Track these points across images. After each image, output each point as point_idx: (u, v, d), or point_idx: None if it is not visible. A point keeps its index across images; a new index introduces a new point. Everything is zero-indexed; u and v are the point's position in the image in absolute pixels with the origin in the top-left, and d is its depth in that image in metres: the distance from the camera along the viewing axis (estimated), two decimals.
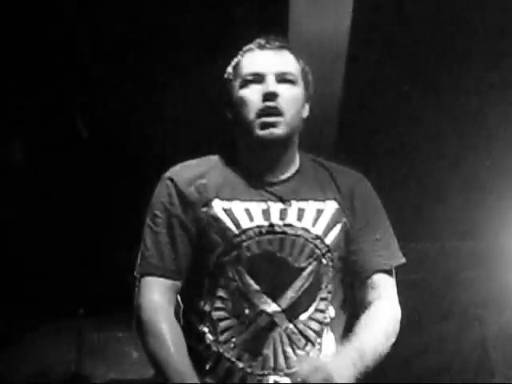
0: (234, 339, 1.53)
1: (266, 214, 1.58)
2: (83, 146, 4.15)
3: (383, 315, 1.61)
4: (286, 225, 1.58)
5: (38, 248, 4.30)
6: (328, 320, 1.61)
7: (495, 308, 4.41)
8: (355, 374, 1.46)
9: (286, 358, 1.52)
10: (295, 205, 1.63)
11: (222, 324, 1.54)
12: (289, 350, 1.53)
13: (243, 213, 1.57)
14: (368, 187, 1.78)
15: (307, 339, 1.56)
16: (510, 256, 4.23)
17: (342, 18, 3.15)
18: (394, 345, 1.62)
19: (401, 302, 1.68)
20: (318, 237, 1.58)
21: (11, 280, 4.57)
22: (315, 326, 1.58)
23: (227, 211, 1.59)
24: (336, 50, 3.31)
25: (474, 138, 3.75)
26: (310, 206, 1.62)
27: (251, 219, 1.57)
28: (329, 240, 1.59)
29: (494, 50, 3.42)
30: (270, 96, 1.56)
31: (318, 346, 1.58)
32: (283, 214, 1.59)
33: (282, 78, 1.62)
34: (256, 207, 1.60)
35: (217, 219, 1.56)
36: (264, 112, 1.57)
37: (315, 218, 1.60)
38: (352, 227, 1.64)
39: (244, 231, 1.55)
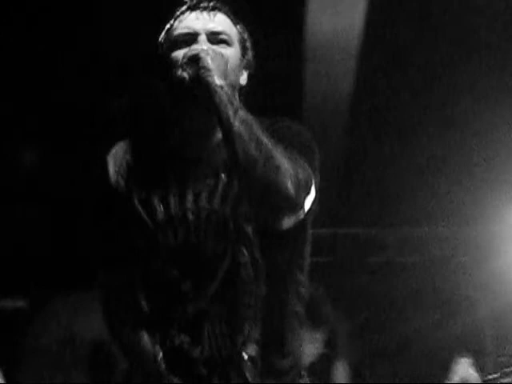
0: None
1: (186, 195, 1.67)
2: None
3: None
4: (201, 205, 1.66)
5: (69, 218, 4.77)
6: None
7: (487, 291, 4.77)
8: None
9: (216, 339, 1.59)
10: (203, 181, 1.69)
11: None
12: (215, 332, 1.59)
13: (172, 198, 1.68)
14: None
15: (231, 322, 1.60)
16: (500, 242, 4.57)
17: (354, 18, 3.43)
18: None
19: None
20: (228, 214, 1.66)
21: (49, 248, 5.10)
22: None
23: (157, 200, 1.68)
24: (348, 47, 3.59)
25: (466, 131, 4.10)
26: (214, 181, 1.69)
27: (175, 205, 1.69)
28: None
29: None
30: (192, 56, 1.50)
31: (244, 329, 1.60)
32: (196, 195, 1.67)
33: (215, 38, 1.57)
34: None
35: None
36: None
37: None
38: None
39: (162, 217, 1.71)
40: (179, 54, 1.51)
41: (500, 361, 4.26)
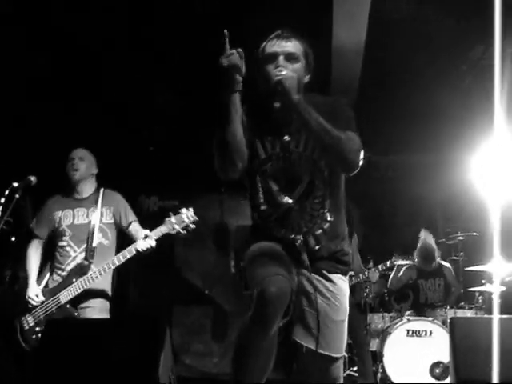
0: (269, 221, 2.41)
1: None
2: None
3: None
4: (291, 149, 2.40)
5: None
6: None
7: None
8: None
9: (299, 226, 2.39)
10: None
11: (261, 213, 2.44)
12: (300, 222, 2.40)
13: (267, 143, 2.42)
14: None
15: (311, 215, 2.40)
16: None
17: (360, 31, 4.89)
18: None
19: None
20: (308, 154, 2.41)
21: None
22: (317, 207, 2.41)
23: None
24: (356, 51, 5.13)
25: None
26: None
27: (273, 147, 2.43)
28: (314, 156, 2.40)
29: None
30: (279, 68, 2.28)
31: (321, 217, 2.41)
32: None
33: (289, 57, 2.35)
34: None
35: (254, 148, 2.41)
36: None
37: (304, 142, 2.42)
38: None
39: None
40: (269, 67, 2.33)
41: (447, 231, 6.63)
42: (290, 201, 2.37)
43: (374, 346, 6.06)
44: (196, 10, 4.80)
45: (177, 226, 3.59)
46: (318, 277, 2.38)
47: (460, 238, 6.33)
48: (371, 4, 4.59)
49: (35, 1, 4.45)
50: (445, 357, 5.01)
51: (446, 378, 5.15)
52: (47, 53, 5.01)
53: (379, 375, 5.53)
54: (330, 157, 2.34)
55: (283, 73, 2.26)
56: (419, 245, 6.10)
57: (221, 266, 6.97)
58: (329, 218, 2.41)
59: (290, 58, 2.36)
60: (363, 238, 6.29)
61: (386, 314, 6.19)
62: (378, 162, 7.16)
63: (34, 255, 3.90)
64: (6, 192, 3.40)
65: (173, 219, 3.60)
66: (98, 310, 3.73)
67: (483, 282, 5.68)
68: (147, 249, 3.61)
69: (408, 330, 5.53)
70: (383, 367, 5.47)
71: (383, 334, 5.76)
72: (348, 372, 5.89)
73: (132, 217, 3.96)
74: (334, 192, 2.44)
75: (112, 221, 3.89)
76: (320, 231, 2.39)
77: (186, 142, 6.45)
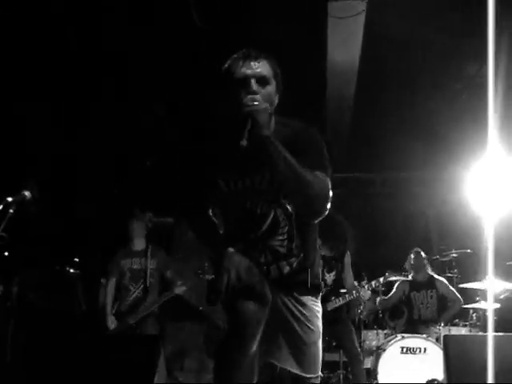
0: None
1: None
2: None
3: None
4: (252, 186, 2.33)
5: None
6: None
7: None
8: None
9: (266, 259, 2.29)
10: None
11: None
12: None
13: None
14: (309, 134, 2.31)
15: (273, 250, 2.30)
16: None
17: (354, 51, 5.02)
18: None
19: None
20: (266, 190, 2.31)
21: None
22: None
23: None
24: (351, 71, 5.27)
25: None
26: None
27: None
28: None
29: None
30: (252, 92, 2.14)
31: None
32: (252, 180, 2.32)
33: (260, 80, 2.19)
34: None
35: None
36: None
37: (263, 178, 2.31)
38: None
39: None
40: (240, 92, 2.15)
41: (441, 248, 6.66)
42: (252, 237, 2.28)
43: (368, 363, 6.04)
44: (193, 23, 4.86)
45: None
46: (290, 299, 2.32)
47: (454, 254, 6.36)
48: (366, 22, 4.64)
49: None
50: (439, 374, 4.98)
51: None
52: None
53: None
54: (294, 201, 2.23)
55: (256, 103, 2.10)
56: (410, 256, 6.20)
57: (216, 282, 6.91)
58: (296, 253, 2.32)
59: (262, 81, 2.20)
60: (356, 253, 6.29)
61: (380, 331, 6.17)
62: (373, 178, 7.21)
63: (109, 292, 5.40)
64: (0, 207, 3.38)
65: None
66: (153, 327, 5.23)
67: (478, 299, 5.69)
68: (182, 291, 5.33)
69: (402, 347, 5.52)
70: None
71: (377, 351, 5.74)
72: None
73: (169, 264, 5.51)
74: (303, 226, 2.33)
75: (156, 267, 5.37)
76: (287, 268, 2.31)
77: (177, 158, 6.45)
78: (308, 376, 2.31)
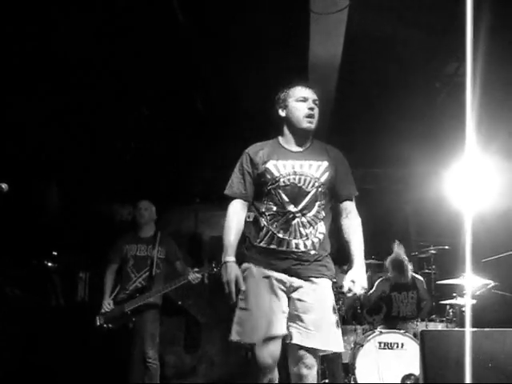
0: (275, 223, 2.98)
1: (293, 166, 3.02)
2: None
3: (358, 227, 3.05)
4: (302, 170, 3.01)
5: None
6: (321, 216, 3.02)
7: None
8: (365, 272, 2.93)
9: (300, 232, 2.96)
10: (307, 162, 3.04)
11: (269, 216, 3.00)
12: (301, 228, 2.96)
13: (282, 166, 3.03)
14: (341, 156, 3.17)
15: (310, 224, 2.97)
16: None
17: (335, 48, 5.07)
18: None
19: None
20: (317, 177, 3.02)
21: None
22: (315, 218, 3.00)
23: (274, 165, 3.04)
24: (332, 67, 5.34)
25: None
26: (315, 163, 3.05)
27: (285, 168, 3.02)
28: (322, 179, 3.01)
29: None
30: (311, 108, 3.06)
31: (315, 228, 2.99)
32: (301, 166, 3.03)
33: (314, 102, 3.08)
34: (288, 163, 3.04)
35: (269, 169, 3.03)
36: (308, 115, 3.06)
37: (317, 168, 3.03)
38: (335, 174, 3.05)
39: (281, 174, 3.01)
40: (302, 105, 3.07)
41: (419, 244, 6.70)
42: (296, 209, 2.96)
43: (346, 358, 6.08)
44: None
45: (212, 270, 4.87)
46: (306, 282, 2.93)
47: (432, 251, 6.39)
48: (347, 20, 4.65)
49: None
50: (416, 369, 5.01)
51: None
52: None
53: None
54: None
55: (313, 112, 3.10)
56: (391, 256, 6.19)
57: None
58: (323, 231, 3.02)
59: (315, 102, 3.12)
60: (336, 250, 6.31)
61: (358, 327, 6.21)
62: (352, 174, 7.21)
63: (109, 276, 5.16)
64: None
65: (213, 264, 4.84)
66: (151, 320, 4.96)
67: (454, 295, 5.75)
68: (196, 280, 4.91)
69: (380, 343, 5.56)
70: (355, 379, 5.49)
71: (355, 347, 5.77)
72: None
73: (179, 256, 5.28)
74: (328, 211, 3.05)
75: (164, 257, 5.18)
76: (316, 239, 2.99)
77: (161, 152, 6.43)
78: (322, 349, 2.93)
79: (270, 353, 2.83)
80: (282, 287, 2.92)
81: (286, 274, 2.92)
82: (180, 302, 6.91)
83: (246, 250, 3.03)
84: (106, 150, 6.30)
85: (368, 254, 6.00)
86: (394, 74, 5.56)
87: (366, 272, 5.78)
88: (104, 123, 6.01)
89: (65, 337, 5.10)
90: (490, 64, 4.25)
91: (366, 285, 2.92)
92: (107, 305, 5.03)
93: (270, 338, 2.83)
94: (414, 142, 6.19)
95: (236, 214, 3.02)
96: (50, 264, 5.98)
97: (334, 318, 2.92)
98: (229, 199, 3.09)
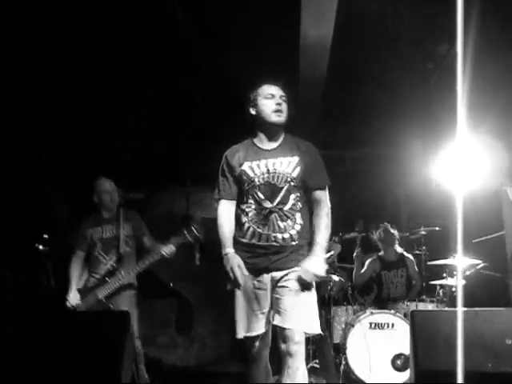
0: (255, 219, 3.22)
1: (266, 165, 3.26)
2: None
3: (323, 217, 3.23)
4: (274, 168, 3.25)
5: None
6: (298, 208, 3.25)
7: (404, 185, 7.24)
8: (323, 261, 3.12)
9: (279, 225, 3.20)
10: (278, 160, 3.26)
11: (249, 213, 3.25)
12: (279, 222, 3.21)
13: (256, 166, 3.28)
14: (312, 148, 3.37)
15: (287, 217, 3.21)
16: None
17: (327, 27, 4.93)
18: None
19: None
20: (289, 172, 3.24)
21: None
22: (291, 211, 3.23)
23: (249, 166, 3.28)
24: (323, 46, 5.18)
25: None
26: (286, 159, 3.28)
27: (259, 168, 3.26)
28: (294, 173, 3.25)
29: None
30: (279, 104, 3.29)
31: (293, 220, 3.22)
32: (273, 164, 3.26)
33: (281, 98, 3.32)
34: (262, 163, 3.27)
35: (245, 171, 3.28)
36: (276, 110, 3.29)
37: (288, 164, 3.26)
38: (305, 167, 3.25)
39: (255, 174, 3.26)
40: (270, 101, 3.30)
41: (410, 225, 6.75)
42: (272, 205, 3.20)
43: (337, 338, 6.13)
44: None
45: (189, 237, 4.57)
46: (286, 272, 3.17)
47: (423, 232, 6.44)
48: (338, 1, 4.61)
49: None
50: (406, 349, 5.07)
51: (406, 369, 5.24)
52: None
53: (342, 367, 5.60)
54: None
55: (280, 102, 3.32)
56: (379, 229, 6.33)
57: (186, 258, 6.95)
58: (301, 221, 3.22)
59: (283, 98, 3.36)
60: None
61: (349, 307, 6.26)
62: (343, 155, 7.22)
63: (74, 265, 4.80)
64: None
65: (185, 231, 4.55)
66: (125, 303, 4.59)
67: (444, 275, 5.81)
68: (170, 253, 4.57)
69: (371, 323, 5.61)
70: (346, 359, 5.55)
71: (346, 327, 5.83)
72: (311, 364, 5.95)
73: (145, 231, 4.91)
74: (304, 202, 3.25)
75: (131, 234, 4.82)
76: (294, 231, 3.20)
77: (152, 133, 6.40)
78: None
79: (255, 349, 3.18)
80: (264, 287, 3.19)
81: (265, 272, 3.20)
82: (171, 284, 6.94)
83: (234, 244, 3.26)
84: (105, 149, 6.27)
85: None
86: (387, 55, 5.52)
87: (356, 250, 5.94)
88: (104, 123, 6.06)
89: (54, 319, 5.09)
90: (481, 46, 4.25)
91: (320, 273, 3.13)
92: (73, 299, 4.64)
93: (249, 337, 3.17)
94: (405, 122, 6.18)
95: (225, 212, 3.32)
96: (41, 247, 5.94)
97: (312, 301, 3.18)
98: (217, 201, 3.39)
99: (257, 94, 3.34)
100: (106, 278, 4.64)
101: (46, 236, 5.89)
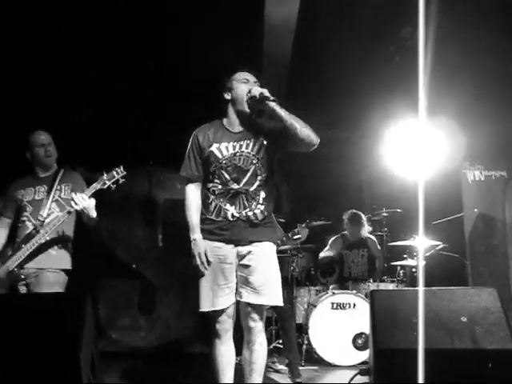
0: (222, 198, 3.35)
1: (233, 147, 3.37)
2: None
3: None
4: (241, 151, 3.36)
5: None
6: (263, 188, 3.36)
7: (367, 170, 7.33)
8: (275, 102, 3.25)
9: (245, 204, 3.33)
10: (245, 142, 3.37)
11: (217, 192, 3.36)
12: (245, 202, 3.33)
13: (224, 148, 3.38)
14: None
15: (253, 197, 3.32)
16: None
17: (291, 8, 4.98)
18: None
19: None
20: (254, 154, 3.36)
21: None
22: (257, 192, 3.34)
23: (217, 148, 3.38)
24: (288, 27, 5.23)
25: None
26: (252, 141, 3.38)
27: (227, 150, 3.37)
28: (259, 155, 3.36)
29: None
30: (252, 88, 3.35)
31: (257, 200, 3.33)
32: (240, 146, 3.37)
33: (256, 82, 3.43)
34: (230, 145, 3.38)
35: (213, 152, 3.38)
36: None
37: (253, 146, 3.38)
38: (270, 139, 3.38)
39: (223, 156, 3.36)
40: (244, 86, 3.39)
41: (373, 207, 6.84)
42: (239, 186, 3.30)
43: (299, 318, 6.20)
44: None
45: (108, 182, 3.77)
46: (251, 247, 3.27)
47: (384, 214, 6.55)
48: None
49: None
50: (367, 328, 5.18)
51: (367, 348, 5.37)
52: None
53: (304, 347, 5.68)
54: (299, 136, 3.19)
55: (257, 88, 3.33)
56: (348, 211, 6.42)
57: (148, 239, 6.92)
58: (266, 201, 3.34)
59: (256, 83, 3.43)
60: (290, 213, 6.38)
61: (311, 288, 6.34)
62: None
63: None
64: None
65: (105, 176, 3.78)
66: (50, 282, 3.82)
67: (405, 256, 5.92)
68: (80, 203, 3.68)
69: (333, 303, 5.70)
70: (308, 339, 5.64)
71: (309, 307, 5.90)
72: (274, 344, 6.02)
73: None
74: (269, 182, 3.37)
75: (70, 197, 3.80)
76: (258, 210, 3.31)
77: (114, 113, 6.32)
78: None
79: (220, 323, 3.26)
80: (229, 261, 3.28)
81: (232, 244, 3.29)
82: (134, 266, 6.90)
83: (201, 224, 3.37)
84: (56, 110, 6.13)
85: (322, 217, 6.22)
86: (350, 37, 5.52)
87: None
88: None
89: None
90: (443, 30, 4.29)
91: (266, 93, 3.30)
92: None
93: (215, 311, 3.24)
94: (368, 104, 6.23)
95: (193, 195, 3.42)
96: None
97: (276, 276, 3.31)
98: (184, 179, 3.46)
99: (232, 79, 3.47)
100: (22, 245, 3.82)
101: None
